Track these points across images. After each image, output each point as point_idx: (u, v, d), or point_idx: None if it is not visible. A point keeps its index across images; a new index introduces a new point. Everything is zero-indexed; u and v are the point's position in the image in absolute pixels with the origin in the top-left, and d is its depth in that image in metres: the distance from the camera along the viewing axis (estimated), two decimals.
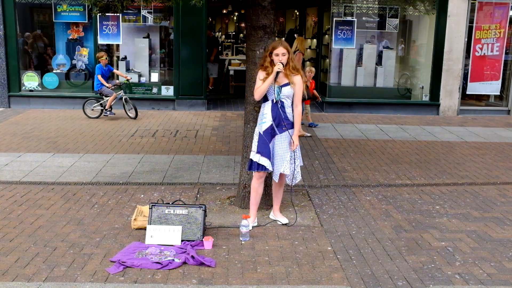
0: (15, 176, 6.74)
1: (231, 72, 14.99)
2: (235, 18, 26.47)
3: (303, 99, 9.34)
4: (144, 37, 12.34)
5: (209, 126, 10.15)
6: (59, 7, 11.64)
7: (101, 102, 10.64)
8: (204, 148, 8.42)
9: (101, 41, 11.72)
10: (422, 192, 6.51)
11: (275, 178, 5.14)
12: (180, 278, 4.16)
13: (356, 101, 12.23)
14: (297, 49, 9.36)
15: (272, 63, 4.99)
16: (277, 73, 4.93)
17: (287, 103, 5.09)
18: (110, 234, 4.99)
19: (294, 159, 5.12)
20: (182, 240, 4.76)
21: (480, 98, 13.00)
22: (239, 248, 4.73)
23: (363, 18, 12.37)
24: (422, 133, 10.05)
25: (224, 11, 26.43)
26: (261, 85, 5.00)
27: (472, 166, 7.77)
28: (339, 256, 4.62)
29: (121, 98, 10.63)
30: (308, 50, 15.17)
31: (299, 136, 9.07)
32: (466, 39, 11.83)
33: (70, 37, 12.16)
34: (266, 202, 5.64)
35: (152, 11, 12.01)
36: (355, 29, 12.00)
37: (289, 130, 5.07)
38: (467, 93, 12.46)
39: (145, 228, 4.93)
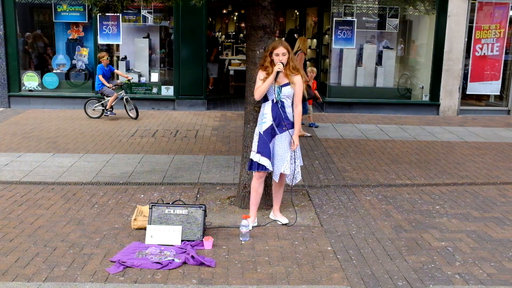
0: (15, 176, 6.74)
1: (231, 72, 14.99)
2: (235, 18, 26.48)
3: (304, 99, 9.37)
4: (144, 37, 12.34)
5: (209, 126, 10.16)
6: (59, 7, 11.64)
7: (102, 102, 10.64)
8: (204, 148, 8.42)
9: (101, 41, 11.73)
10: (422, 192, 6.51)
11: (275, 178, 5.14)
12: (180, 278, 4.16)
13: (356, 101, 12.23)
14: (299, 49, 9.35)
15: (272, 63, 4.99)
16: (277, 73, 4.93)
17: (287, 103, 5.09)
18: (110, 234, 4.99)
19: (295, 159, 5.12)
20: (182, 240, 4.76)
21: (480, 98, 13.00)
22: (239, 248, 4.73)
23: (363, 18, 12.37)
24: (422, 133, 10.05)
25: (224, 11, 26.43)
26: (261, 85, 5.00)
27: (472, 166, 7.77)
28: (339, 256, 4.62)
29: (122, 98, 10.63)
30: (308, 50, 15.16)
31: (299, 136, 9.08)
32: (466, 39, 11.83)
33: (70, 37, 12.16)
34: (266, 202, 5.64)
35: (152, 11, 12.01)
36: (355, 29, 12.00)
37: (289, 130, 5.07)
38: (467, 93, 12.46)
39: (145, 228, 4.93)
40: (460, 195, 6.40)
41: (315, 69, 10.06)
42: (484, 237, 5.13)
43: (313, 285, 4.10)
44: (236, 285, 4.07)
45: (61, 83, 12.04)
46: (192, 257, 4.42)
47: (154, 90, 12.03)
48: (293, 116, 5.12)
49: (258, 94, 5.05)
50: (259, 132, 5.09)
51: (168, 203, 5.04)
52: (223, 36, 24.45)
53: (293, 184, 5.25)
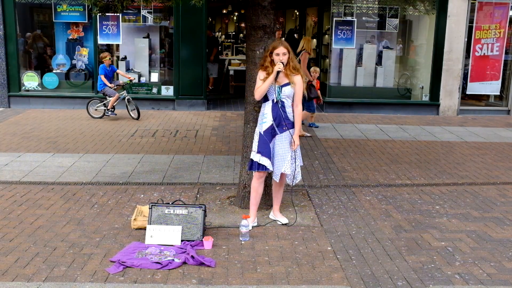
0: (15, 176, 6.74)
1: (231, 72, 14.98)
2: (235, 18, 26.49)
3: (310, 98, 9.37)
4: (144, 37, 12.34)
5: (209, 126, 10.16)
6: (59, 7, 11.64)
7: (104, 102, 10.64)
8: (204, 148, 8.42)
9: (101, 41, 11.73)
10: (422, 192, 6.51)
11: (276, 178, 5.14)
12: (180, 278, 4.16)
13: (356, 101, 12.23)
14: (303, 49, 9.35)
15: (272, 63, 4.99)
16: (278, 72, 4.93)
17: (288, 103, 5.09)
18: (110, 234, 4.99)
19: (295, 159, 5.12)
20: (182, 240, 4.76)
21: (480, 98, 13.00)
22: (239, 248, 4.73)
23: (363, 18, 12.37)
24: (422, 133, 10.05)
25: (224, 11, 26.44)
26: (261, 85, 5.00)
27: (472, 166, 7.77)
28: (339, 256, 4.62)
29: (124, 99, 10.62)
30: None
31: (299, 136, 9.07)
32: (466, 39, 11.83)
33: (70, 37, 12.16)
34: (266, 202, 5.64)
35: (152, 11, 12.01)
36: (355, 29, 12.00)
37: (289, 130, 5.08)
38: (467, 93, 12.47)
39: (145, 228, 4.93)
40: (460, 195, 6.40)
41: (318, 69, 10.06)
42: (484, 237, 5.13)
43: (313, 285, 4.10)
44: (236, 285, 4.07)
45: (61, 83, 12.04)
46: (192, 257, 4.42)
47: (154, 90, 12.03)
48: (294, 116, 5.12)
49: (258, 94, 5.05)
50: (259, 132, 5.09)
51: (168, 203, 5.04)
52: (223, 36, 24.46)
53: (293, 184, 5.25)
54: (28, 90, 11.80)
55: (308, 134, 9.37)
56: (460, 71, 11.94)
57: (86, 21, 11.84)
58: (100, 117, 10.61)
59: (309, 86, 9.29)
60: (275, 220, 5.39)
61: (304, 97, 5.34)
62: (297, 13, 18.28)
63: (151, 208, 4.92)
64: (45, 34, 12.59)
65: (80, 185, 6.48)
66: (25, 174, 6.81)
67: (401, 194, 6.41)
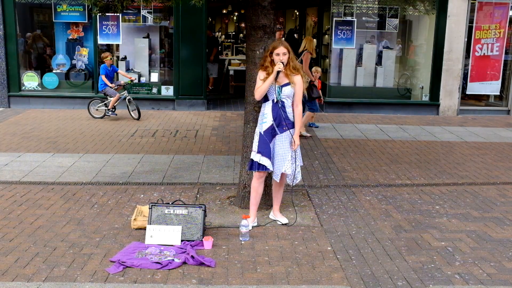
0: (15, 176, 6.74)
1: (231, 72, 14.99)
2: (235, 18, 26.49)
3: (313, 98, 9.35)
4: (144, 37, 12.34)
5: (209, 126, 10.15)
6: (59, 7, 11.64)
7: (105, 102, 10.64)
8: (204, 148, 8.42)
9: (101, 41, 11.73)
10: (422, 192, 6.51)
11: (276, 178, 5.14)
12: (180, 278, 4.16)
13: (356, 101, 12.23)
14: (305, 49, 9.34)
15: (272, 63, 4.99)
16: (278, 72, 4.94)
17: (288, 103, 5.09)
18: (110, 234, 4.99)
19: (295, 159, 5.12)
20: (182, 240, 4.76)
21: (480, 98, 13.00)
22: (239, 248, 4.73)
23: (363, 18, 12.37)
24: (422, 133, 10.05)
25: (224, 11, 26.44)
26: (261, 85, 5.00)
27: (472, 166, 7.77)
28: (339, 256, 4.62)
29: (124, 99, 10.62)
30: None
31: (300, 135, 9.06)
32: (466, 39, 11.83)
33: (70, 37, 12.16)
34: (266, 202, 5.64)
35: (152, 11, 12.02)
36: (355, 29, 12.00)
37: (290, 130, 5.08)
38: (467, 93, 12.47)
39: (145, 228, 4.93)
40: (460, 195, 6.40)
41: (319, 69, 10.05)
42: (484, 237, 5.13)
43: (313, 285, 4.10)
44: (236, 285, 4.07)
45: (61, 83, 12.04)
46: (192, 257, 4.42)
47: (154, 90, 12.03)
48: (294, 116, 5.12)
49: (258, 94, 5.05)
50: (260, 132, 5.09)
51: (168, 203, 5.04)
52: (223, 36, 24.46)
53: (294, 184, 5.25)
54: (22, 90, 11.79)
55: (308, 134, 9.36)
56: (460, 71, 11.94)
57: (86, 21, 11.84)
58: (101, 117, 10.61)
59: (310, 86, 9.28)
60: (275, 220, 5.39)
61: (304, 96, 5.34)
62: (297, 13, 18.29)
63: (151, 208, 4.92)
64: (45, 34, 12.59)
65: (80, 185, 6.48)
66: (25, 174, 6.81)
67: (401, 194, 6.41)
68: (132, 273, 4.22)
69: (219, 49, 17.64)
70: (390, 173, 7.26)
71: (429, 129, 10.44)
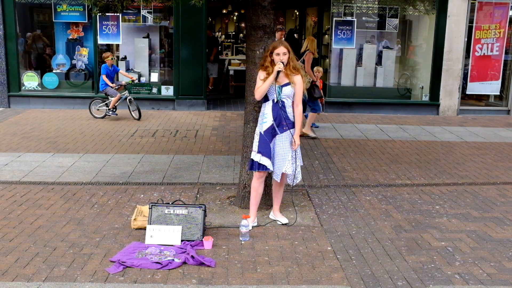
0: (15, 176, 6.74)
1: (231, 72, 14.98)
2: (235, 18, 26.49)
3: (315, 98, 9.35)
4: (144, 37, 12.34)
5: (209, 126, 10.15)
6: (59, 7, 11.64)
7: (106, 102, 10.64)
8: (204, 148, 8.42)
9: (101, 41, 11.73)
10: (422, 192, 6.51)
11: (277, 178, 5.14)
12: (180, 278, 4.16)
13: (356, 101, 12.23)
14: (307, 49, 9.33)
15: (272, 63, 4.99)
16: (278, 72, 4.94)
17: (288, 103, 5.09)
18: (110, 234, 4.99)
19: (295, 158, 5.12)
20: (182, 240, 4.76)
21: (480, 98, 13.00)
22: (239, 248, 4.73)
23: (363, 18, 12.37)
24: (422, 133, 10.05)
25: (224, 11, 26.44)
26: (261, 85, 5.00)
27: (472, 166, 7.77)
28: (339, 256, 4.62)
29: (125, 99, 10.61)
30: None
31: (304, 135, 9.10)
32: (466, 39, 11.83)
33: (70, 37, 12.16)
34: (266, 202, 5.64)
35: (152, 11, 12.02)
36: (355, 29, 12.00)
37: (290, 130, 5.08)
38: (467, 93, 12.47)
39: (145, 228, 4.93)
40: (460, 195, 6.40)
41: (321, 69, 10.06)
42: (484, 237, 5.13)
43: (313, 285, 4.10)
44: (236, 285, 4.07)
45: (61, 83, 12.04)
46: (192, 257, 4.42)
47: (154, 90, 12.03)
48: (294, 116, 5.12)
49: (258, 94, 5.05)
50: (260, 132, 5.09)
51: (168, 203, 5.04)
52: (223, 36, 24.46)
53: (294, 184, 5.25)
54: (20, 90, 11.81)
55: (314, 135, 9.30)
56: (460, 71, 11.94)
57: (86, 21, 11.84)
58: (102, 117, 10.60)
59: (312, 86, 9.27)
60: (275, 220, 5.39)
61: (304, 96, 5.34)
62: (297, 13, 18.29)
63: (151, 208, 4.92)
64: (45, 34, 12.59)
65: (80, 185, 6.48)
66: (25, 174, 6.81)
67: (401, 194, 6.41)
68: (132, 273, 4.22)
69: (219, 49, 17.64)
70: (390, 173, 7.26)
71: (429, 129, 10.44)
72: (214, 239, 4.84)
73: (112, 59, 10.63)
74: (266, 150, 5.04)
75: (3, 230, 5.01)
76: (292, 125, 5.11)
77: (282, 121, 5.04)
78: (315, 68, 9.73)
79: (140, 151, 8.15)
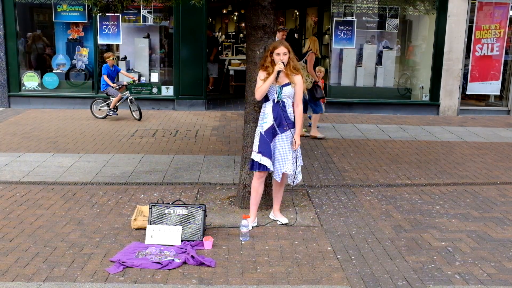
0: (15, 176, 6.74)
1: (231, 72, 14.98)
2: (235, 18, 26.48)
3: (317, 98, 9.35)
4: (144, 37, 12.34)
5: (209, 126, 10.16)
6: (59, 7, 11.64)
7: (108, 102, 10.64)
8: (204, 148, 8.42)
9: (101, 41, 11.73)
10: (422, 192, 6.51)
11: (277, 178, 5.14)
12: (180, 278, 4.16)
13: (356, 101, 12.23)
14: (309, 49, 9.33)
15: (272, 63, 4.99)
16: (278, 72, 4.94)
17: (288, 103, 5.09)
18: (110, 234, 4.99)
19: (296, 158, 5.12)
20: (182, 240, 4.76)
21: (480, 98, 13.00)
22: (239, 248, 4.73)
23: (363, 18, 12.37)
24: (422, 133, 10.05)
25: (224, 11, 26.44)
26: (262, 84, 5.00)
27: (472, 166, 7.77)
28: (339, 256, 4.62)
29: (126, 99, 10.60)
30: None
31: (312, 138, 9.12)
32: (466, 39, 11.83)
33: (70, 37, 12.16)
34: (266, 202, 5.64)
35: (152, 11, 12.01)
36: (355, 29, 12.00)
37: (291, 130, 5.08)
38: (467, 93, 12.47)
39: (145, 228, 4.93)
40: (460, 195, 6.40)
41: (323, 69, 10.06)
42: (484, 237, 5.13)
43: (313, 285, 4.10)
44: (236, 285, 4.07)
45: (61, 83, 12.04)
46: (192, 257, 4.42)
47: (154, 90, 12.03)
48: (294, 116, 5.12)
49: (259, 94, 5.05)
50: (260, 132, 5.10)
51: (168, 203, 5.04)
52: (223, 36, 24.46)
53: (294, 184, 5.25)
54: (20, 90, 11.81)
55: (321, 135, 9.30)
56: (460, 71, 11.94)
57: (86, 21, 11.84)
58: (103, 117, 10.60)
59: (314, 86, 9.27)
60: (275, 220, 5.39)
61: (304, 96, 5.34)
62: (297, 13, 18.28)
63: (151, 208, 4.92)
64: (45, 34, 12.59)
65: (80, 185, 6.48)
66: (25, 174, 6.81)
67: (401, 194, 6.41)
68: (132, 273, 4.22)
69: (219, 49, 17.64)
70: (390, 173, 7.26)
71: (429, 129, 10.44)
72: (214, 239, 4.84)
73: (113, 59, 10.63)
74: (266, 150, 5.04)
75: (3, 230, 5.01)
76: (293, 125, 5.11)
77: (282, 121, 5.04)
78: (317, 68, 9.72)
79: (140, 151, 8.16)
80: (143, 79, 12.19)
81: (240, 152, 6.46)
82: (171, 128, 9.93)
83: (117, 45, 12.32)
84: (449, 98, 12.05)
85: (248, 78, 5.59)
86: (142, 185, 6.53)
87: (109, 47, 12.36)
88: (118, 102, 10.51)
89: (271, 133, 5.07)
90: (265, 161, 5.03)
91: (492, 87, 12.37)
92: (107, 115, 10.60)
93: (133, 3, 7.39)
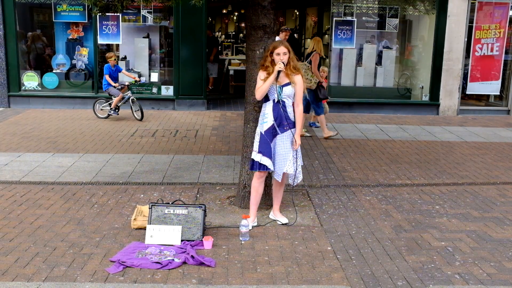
0: (15, 176, 6.74)
1: (231, 72, 14.98)
2: (235, 18, 26.48)
3: (319, 99, 9.35)
4: (144, 37, 12.34)
5: (209, 126, 10.15)
6: (59, 7, 11.64)
7: (110, 102, 10.63)
8: (204, 148, 8.42)
9: (101, 41, 11.73)
10: (422, 192, 6.51)
11: (278, 177, 5.13)
12: (180, 278, 4.16)
13: (356, 101, 12.23)
14: (314, 50, 9.32)
15: (273, 63, 4.99)
16: (279, 72, 4.94)
17: (289, 103, 5.09)
18: (110, 234, 4.99)
19: (296, 158, 5.12)
20: (182, 240, 4.76)
21: (480, 98, 13.00)
22: (239, 248, 4.73)
23: (363, 18, 12.37)
24: (422, 133, 10.05)
25: (224, 11, 26.44)
26: (262, 84, 5.00)
27: (472, 166, 7.77)
28: (339, 256, 4.62)
29: (128, 99, 10.59)
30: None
31: (327, 138, 9.14)
32: (466, 39, 11.83)
33: (70, 37, 12.16)
34: (266, 202, 5.64)
35: (152, 11, 12.01)
36: (355, 29, 12.00)
37: (291, 130, 5.08)
38: (467, 93, 12.47)
39: (145, 228, 4.93)
40: (460, 195, 6.40)
41: (326, 69, 10.05)
42: (484, 237, 5.13)
43: (313, 285, 4.10)
44: (236, 285, 4.07)
45: (61, 83, 12.04)
46: (192, 257, 4.42)
47: (154, 90, 12.03)
48: (294, 116, 5.12)
49: (259, 94, 5.05)
50: (260, 132, 5.10)
51: (168, 203, 5.04)
52: (223, 36, 24.46)
53: (295, 184, 5.25)
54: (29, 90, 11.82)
55: (334, 133, 9.31)
56: (460, 71, 11.94)
57: (86, 21, 11.84)
58: (106, 117, 10.58)
59: (319, 87, 9.27)
60: (275, 220, 5.39)
61: (305, 96, 5.34)
62: (297, 13, 18.29)
63: (151, 208, 4.92)
64: (45, 34, 12.59)
65: (80, 185, 6.48)
66: (25, 174, 6.80)
67: (401, 194, 6.41)
68: (132, 273, 4.22)
69: (219, 49, 17.64)
70: (390, 173, 7.26)
71: (429, 129, 10.44)
72: (214, 239, 4.84)
73: (115, 59, 10.62)
74: (266, 150, 5.04)
75: (3, 230, 5.01)
76: (293, 124, 5.11)
77: (283, 121, 5.04)
78: (320, 68, 9.72)
79: (140, 151, 8.15)
80: (143, 79, 12.16)
81: (240, 152, 6.46)
82: (171, 128, 9.92)
83: (117, 45, 12.32)
84: (449, 98, 12.05)
85: (248, 78, 5.59)
86: (142, 185, 6.53)
87: (109, 47, 12.36)
88: (120, 102, 10.50)
89: (272, 133, 5.07)
90: (265, 161, 5.03)
91: (492, 87, 12.37)
92: (108, 115, 10.59)
93: (133, 3, 7.39)
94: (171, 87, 11.91)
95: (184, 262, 4.39)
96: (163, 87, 12.01)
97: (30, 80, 11.87)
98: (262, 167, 5.06)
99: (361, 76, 12.56)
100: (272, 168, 5.09)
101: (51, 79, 11.98)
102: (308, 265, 4.42)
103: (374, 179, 6.99)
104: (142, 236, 4.88)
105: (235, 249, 4.71)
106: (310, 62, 9.20)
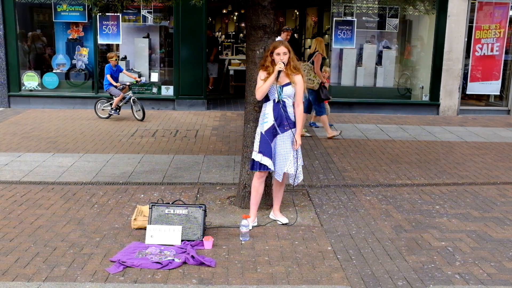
0: (15, 176, 6.74)
1: (231, 72, 14.98)
2: (235, 18, 26.48)
3: (321, 100, 9.35)
4: (144, 37, 12.34)
5: (209, 126, 10.15)
6: (59, 7, 11.64)
7: (111, 102, 10.63)
8: (204, 148, 8.42)
9: (101, 41, 11.73)
10: (422, 192, 6.51)
11: (278, 177, 5.13)
12: (180, 278, 4.16)
13: (356, 101, 12.23)
14: (316, 50, 9.32)
15: (273, 63, 4.99)
16: (279, 72, 4.94)
17: (289, 103, 5.09)
18: (110, 234, 4.99)
19: (297, 158, 5.12)
20: (182, 240, 4.76)
21: (480, 98, 13.01)
22: (239, 248, 4.73)
23: (363, 18, 12.38)
24: (422, 133, 10.05)
25: (224, 11, 26.44)
26: (262, 84, 5.01)
27: (472, 166, 7.77)
28: (339, 256, 4.62)
29: (129, 99, 10.58)
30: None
31: (330, 137, 9.14)
32: (466, 39, 11.83)
33: (70, 37, 12.16)
34: (266, 202, 5.64)
35: (152, 11, 12.02)
36: (355, 29, 12.00)
37: (291, 129, 5.08)
38: (467, 93, 12.47)
39: (145, 228, 4.93)
40: (460, 195, 6.40)
41: (328, 69, 10.05)
42: (484, 237, 5.13)
43: (313, 285, 4.10)
44: (236, 285, 4.07)
45: (61, 83, 12.04)
46: (192, 257, 4.42)
47: (154, 90, 12.03)
48: (295, 116, 5.12)
49: (259, 94, 5.05)
50: (261, 132, 5.10)
51: (168, 203, 5.04)
52: (223, 36, 24.45)
53: (296, 184, 5.25)
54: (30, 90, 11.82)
55: (337, 133, 9.32)
56: (460, 71, 11.94)
57: (86, 21, 11.84)
58: (107, 117, 10.58)
59: (321, 87, 9.27)
60: (275, 220, 5.39)
61: (305, 96, 5.34)
62: (297, 13, 18.29)
63: (151, 208, 4.92)
64: (45, 34, 12.59)
65: (80, 185, 6.48)
66: (25, 174, 6.80)
67: (401, 194, 6.41)
68: (132, 273, 4.22)
69: (219, 49, 17.64)
70: (390, 173, 7.26)
71: (429, 129, 10.44)
72: (214, 239, 4.84)
73: (116, 59, 10.62)
74: (267, 150, 5.04)
75: (3, 230, 5.01)
76: (293, 124, 5.11)
77: (283, 121, 5.04)
78: (322, 68, 9.72)
79: (140, 151, 8.15)
80: (143, 79, 12.16)
81: (240, 152, 6.46)
82: (171, 128, 9.92)
83: (117, 45, 12.32)
84: (449, 98, 12.06)
85: (248, 78, 5.59)
86: (142, 185, 6.53)
87: (109, 47, 12.36)
88: (121, 102, 10.50)
89: (272, 133, 5.07)
90: (265, 161, 5.03)
91: (492, 87, 12.37)
92: (110, 115, 10.59)
93: (133, 3, 7.39)
94: (171, 87, 11.91)
95: (184, 262, 4.39)
96: (163, 87, 12.01)
97: (30, 80, 11.87)
98: (262, 167, 5.06)
99: (361, 76, 12.56)
100: (272, 168, 5.09)
101: (51, 79, 11.98)
102: (308, 265, 4.43)
103: (374, 179, 6.99)
104: (142, 236, 4.88)
105: (235, 249, 4.71)
106: (312, 63, 9.20)
